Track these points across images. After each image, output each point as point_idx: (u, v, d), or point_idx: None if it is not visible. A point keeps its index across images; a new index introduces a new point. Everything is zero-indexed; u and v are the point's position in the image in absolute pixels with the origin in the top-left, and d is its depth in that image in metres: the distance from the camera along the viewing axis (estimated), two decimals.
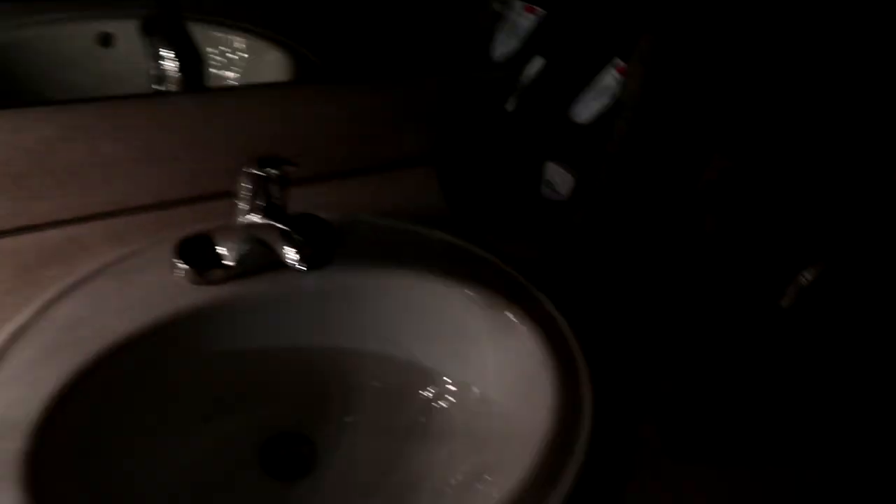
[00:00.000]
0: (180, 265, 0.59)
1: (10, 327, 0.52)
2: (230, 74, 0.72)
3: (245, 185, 0.56)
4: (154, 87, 0.67)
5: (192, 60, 0.69)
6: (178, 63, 0.68)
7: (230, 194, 0.59)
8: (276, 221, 0.55)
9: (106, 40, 0.68)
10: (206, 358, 0.59)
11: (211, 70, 0.70)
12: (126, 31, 0.68)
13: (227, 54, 0.72)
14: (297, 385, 0.64)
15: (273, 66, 0.74)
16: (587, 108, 0.81)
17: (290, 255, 0.52)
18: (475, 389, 0.63)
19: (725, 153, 0.78)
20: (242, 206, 0.57)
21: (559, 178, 0.77)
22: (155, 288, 0.58)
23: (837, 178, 0.64)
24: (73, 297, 0.55)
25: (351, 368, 0.65)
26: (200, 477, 0.57)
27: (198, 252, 0.60)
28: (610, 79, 0.76)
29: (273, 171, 0.54)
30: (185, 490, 0.55)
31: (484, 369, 0.63)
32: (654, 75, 0.59)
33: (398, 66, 0.78)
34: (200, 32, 0.68)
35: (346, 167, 0.80)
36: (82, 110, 0.62)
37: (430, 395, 0.64)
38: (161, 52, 0.68)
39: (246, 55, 0.73)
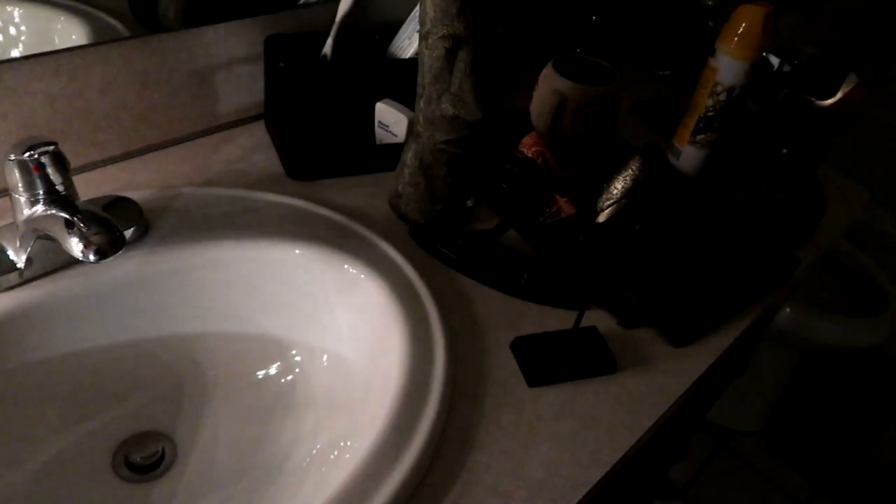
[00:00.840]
0: None
1: None
2: (16, 52, 0.63)
3: (16, 176, 0.49)
4: None
5: None
6: None
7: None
8: (59, 210, 0.49)
9: None
10: (25, 368, 0.53)
11: None
12: None
13: (10, 30, 0.63)
14: (142, 381, 0.59)
15: (61, 34, 0.66)
16: (410, 42, 0.78)
17: (75, 246, 0.47)
18: (331, 353, 0.60)
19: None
20: (22, 198, 0.51)
21: (392, 118, 0.74)
22: None
23: None
24: None
25: (199, 353, 0.60)
26: (49, 494, 0.52)
27: None
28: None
29: (36, 155, 0.47)
30: None
31: (337, 330, 0.61)
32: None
33: (204, 15, 0.71)
34: None
35: (161, 137, 0.73)
36: None
37: (287, 366, 0.61)
38: None
39: (30, 26, 0.64)
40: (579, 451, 0.51)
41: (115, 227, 0.49)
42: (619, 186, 0.50)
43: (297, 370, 0.61)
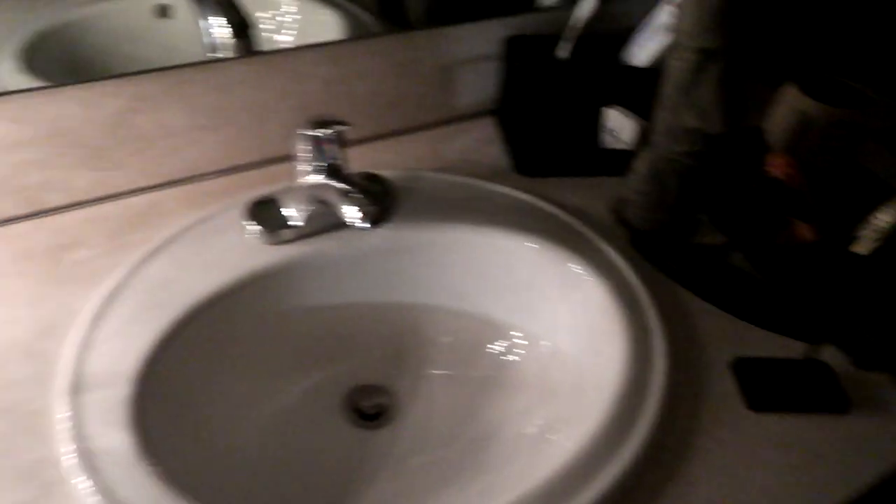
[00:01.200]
0: (251, 227, 0.62)
1: (107, 287, 0.57)
2: (285, 38, 0.73)
3: (303, 147, 0.57)
4: (209, 54, 0.68)
5: (242, 25, 0.71)
6: (229, 29, 0.70)
7: (291, 157, 0.60)
8: (336, 181, 0.57)
9: (163, 12, 0.70)
10: (284, 314, 0.62)
11: (265, 34, 0.71)
12: (183, 1, 0.69)
13: (279, 17, 0.73)
14: (373, 339, 0.66)
15: (325, 26, 0.75)
16: (642, 49, 0.78)
17: (352, 213, 0.54)
18: (546, 342, 0.64)
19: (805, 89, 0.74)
20: (303, 167, 0.59)
21: (620, 125, 0.75)
22: (230, 249, 0.61)
23: None
24: (158, 259, 0.59)
25: (423, 323, 0.66)
26: (289, 424, 0.60)
27: (266, 214, 0.62)
28: (665, 16, 0.73)
29: (327, 132, 0.55)
30: (274, 435, 0.59)
31: (554, 322, 0.64)
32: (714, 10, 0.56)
33: (450, 15, 0.77)
34: None
35: (405, 124, 0.80)
36: (146, 81, 0.65)
37: (502, 348, 0.65)
38: (212, 20, 0.70)
39: (297, 17, 0.74)
40: (801, 485, 0.49)
41: (384, 200, 0.55)
42: (886, 219, 0.47)
43: (513, 353, 0.64)
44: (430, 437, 0.61)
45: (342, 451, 0.60)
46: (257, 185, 0.67)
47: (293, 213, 0.61)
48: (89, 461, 0.45)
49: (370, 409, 0.63)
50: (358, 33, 0.75)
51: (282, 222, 0.61)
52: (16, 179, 0.63)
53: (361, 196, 0.54)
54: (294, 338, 0.63)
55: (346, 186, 0.56)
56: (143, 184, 0.68)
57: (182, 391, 0.54)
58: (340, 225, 0.58)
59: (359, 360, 0.66)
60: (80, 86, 0.63)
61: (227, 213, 0.64)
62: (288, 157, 0.65)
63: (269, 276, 0.59)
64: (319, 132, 0.56)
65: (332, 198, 0.57)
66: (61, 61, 0.64)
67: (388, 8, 0.77)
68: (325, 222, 0.61)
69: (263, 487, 0.55)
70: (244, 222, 0.63)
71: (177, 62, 0.66)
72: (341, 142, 0.58)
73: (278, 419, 0.60)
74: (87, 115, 0.63)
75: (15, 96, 0.61)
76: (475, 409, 0.62)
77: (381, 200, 0.56)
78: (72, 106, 0.62)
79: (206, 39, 0.69)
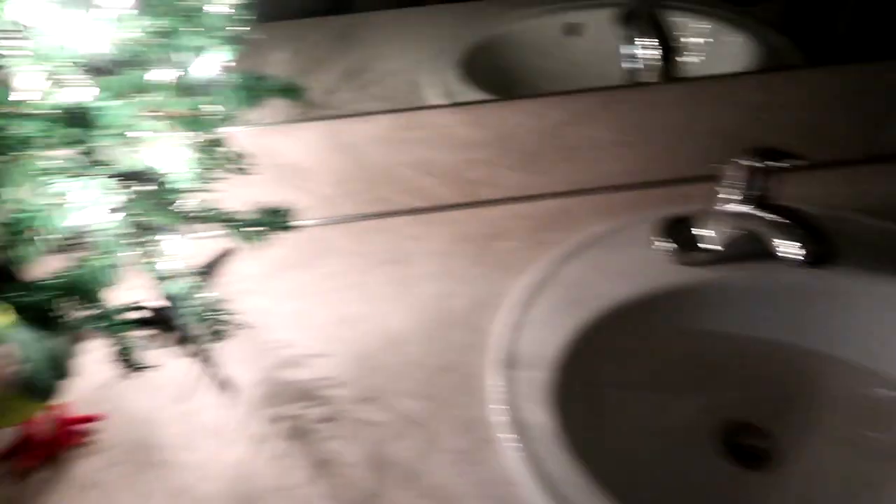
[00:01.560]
0: (664, 244, 0.64)
1: (530, 278, 0.64)
2: (692, 59, 0.74)
3: (734, 174, 0.57)
4: (626, 65, 0.72)
5: (670, 48, 0.73)
6: (658, 51, 0.73)
7: (706, 179, 0.61)
8: (767, 212, 0.55)
9: (572, 29, 0.76)
10: (681, 333, 0.63)
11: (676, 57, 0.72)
12: (595, 21, 0.75)
13: (688, 39, 0.74)
14: (765, 377, 0.63)
15: (732, 49, 0.74)
16: None
17: (790, 248, 0.52)
18: None
19: None
20: (728, 193, 0.59)
21: None
22: (639, 262, 0.64)
23: None
24: (573, 261, 0.65)
25: (821, 373, 0.62)
26: (667, 440, 0.61)
27: (679, 233, 0.64)
28: None
29: (774, 164, 0.54)
30: (653, 447, 0.61)
31: None
32: None
33: (875, 45, 0.70)
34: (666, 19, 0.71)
35: (822, 157, 0.74)
36: (584, 99, 0.71)
37: None
38: (637, 41, 0.73)
39: (708, 39, 0.74)
40: None
41: (821, 239, 0.52)
42: None
43: None
44: (813, 494, 0.57)
45: (714, 482, 0.60)
46: (665, 203, 0.69)
47: (710, 236, 0.62)
48: (519, 429, 0.52)
49: (747, 449, 0.61)
50: (770, 58, 0.72)
51: (695, 243, 0.62)
52: (462, 173, 0.75)
53: (804, 232, 0.52)
54: (684, 358, 0.64)
55: (781, 219, 0.54)
56: (560, 189, 0.75)
57: (587, 386, 0.59)
58: (763, 256, 0.57)
59: (744, 395, 0.64)
60: (526, 100, 0.72)
61: (636, 227, 0.67)
62: (699, 179, 0.65)
63: (678, 294, 0.61)
64: (764, 162, 0.55)
65: (761, 228, 0.56)
66: (487, 72, 0.74)
67: (808, 35, 0.73)
68: (744, 251, 0.60)
69: (641, 492, 0.57)
70: (655, 238, 0.65)
71: (581, 78, 0.72)
72: (778, 173, 0.56)
73: (659, 433, 0.62)
74: (528, 125, 0.72)
75: (474, 106, 0.72)
76: (874, 479, 0.57)
77: (819, 239, 0.53)
78: (518, 116, 0.72)
79: (626, 59, 0.73)
